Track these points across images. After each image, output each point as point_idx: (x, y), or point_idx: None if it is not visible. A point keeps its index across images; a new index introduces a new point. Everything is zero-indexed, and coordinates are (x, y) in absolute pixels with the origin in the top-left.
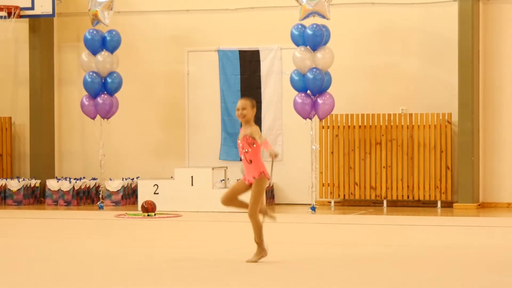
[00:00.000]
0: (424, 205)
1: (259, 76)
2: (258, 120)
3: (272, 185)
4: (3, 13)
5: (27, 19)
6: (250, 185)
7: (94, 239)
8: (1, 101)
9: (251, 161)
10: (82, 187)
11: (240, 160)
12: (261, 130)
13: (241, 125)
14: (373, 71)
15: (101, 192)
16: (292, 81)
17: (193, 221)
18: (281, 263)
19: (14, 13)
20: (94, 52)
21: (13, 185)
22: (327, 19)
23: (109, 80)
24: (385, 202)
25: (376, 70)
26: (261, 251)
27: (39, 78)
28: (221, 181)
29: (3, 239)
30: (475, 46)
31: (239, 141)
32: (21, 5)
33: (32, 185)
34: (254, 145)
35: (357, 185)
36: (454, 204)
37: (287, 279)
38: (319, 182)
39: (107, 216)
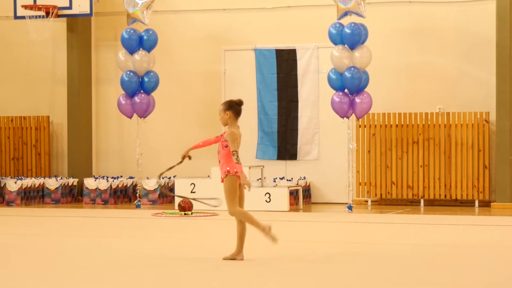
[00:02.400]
0: (461, 204)
1: (296, 75)
2: (294, 119)
3: (309, 184)
4: (41, 13)
5: (65, 19)
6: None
7: (131, 238)
8: (39, 100)
9: (219, 161)
10: (120, 185)
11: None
12: (298, 129)
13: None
14: (410, 70)
15: (138, 191)
16: (329, 80)
17: (230, 220)
18: (317, 262)
19: (52, 13)
20: (131, 51)
21: (51, 183)
22: (363, 17)
23: (146, 79)
24: (422, 201)
25: (414, 69)
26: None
27: (77, 77)
28: (258, 180)
29: (41, 237)
30: None
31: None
32: (59, 5)
33: (70, 184)
34: (227, 147)
35: (394, 184)
36: (491, 203)
37: (324, 277)
38: (356, 181)
39: (144, 215)
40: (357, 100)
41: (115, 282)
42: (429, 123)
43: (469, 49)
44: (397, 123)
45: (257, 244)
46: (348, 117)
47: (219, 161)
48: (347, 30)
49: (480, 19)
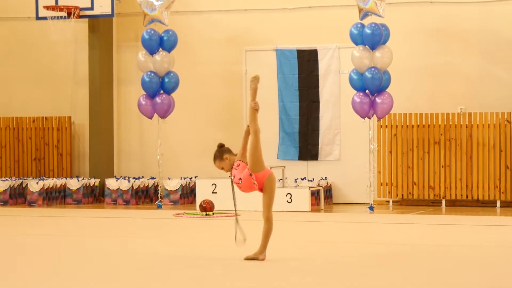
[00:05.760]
0: (483, 204)
1: (317, 75)
2: (315, 120)
3: (330, 185)
4: (63, 14)
5: (86, 19)
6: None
7: (153, 238)
8: (61, 100)
9: (242, 188)
10: (141, 186)
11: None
12: (319, 129)
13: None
14: (431, 70)
15: (159, 191)
16: (351, 80)
17: (251, 221)
18: (338, 263)
19: (74, 13)
20: (152, 52)
21: (73, 184)
22: (381, 17)
23: (166, 79)
24: (443, 201)
25: (435, 69)
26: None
27: (98, 78)
28: (279, 180)
29: (63, 237)
30: None
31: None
32: (81, 6)
33: (91, 184)
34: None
35: (415, 184)
36: None
37: (345, 277)
38: (377, 182)
39: (165, 215)
40: (378, 100)
41: (135, 282)
42: (450, 123)
43: (491, 49)
44: (418, 124)
45: (278, 244)
46: (369, 118)
47: (241, 188)
48: (368, 30)
49: (502, 19)
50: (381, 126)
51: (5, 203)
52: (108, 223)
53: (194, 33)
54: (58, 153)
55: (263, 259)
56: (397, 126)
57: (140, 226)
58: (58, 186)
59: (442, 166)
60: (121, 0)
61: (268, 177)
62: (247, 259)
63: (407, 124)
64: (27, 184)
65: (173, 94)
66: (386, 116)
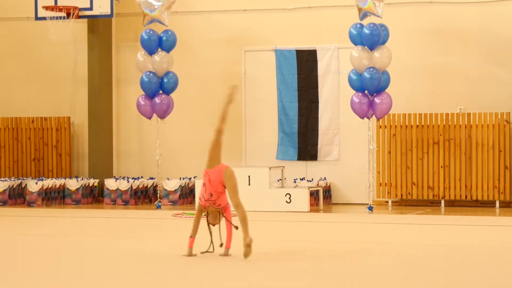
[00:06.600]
0: (482, 205)
1: (316, 75)
2: (315, 120)
3: (329, 185)
4: (62, 14)
5: (85, 20)
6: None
7: (152, 239)
8: (60, 101)
9: (211, 195)
10: (140, 186)
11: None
12: (318, 130)
13: None
14: (431, 70)
15: (158, 192)
16: (350, 80)
17: (250, 221)
18: (337, 262)
19: (73, 14)
20: (151, 52)
21: (72, 184)
22: (379, 17)
23: (165, 80)
24: (442, 202)
25: (434, 69)
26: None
27: (98, 78)
28: (278, 180)
29: (62, 237)
30: None
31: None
32: (80, 6)
33: (90, 185)
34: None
35: (414, 184)
36: None
37: (343, 277)
38: (376, 182)
39: (164, 216)
40: (377, 100)
41: (135, 282)
42: (449, 123)
43: (490, 50)
44: (417, 124)
45: (278, 244)
46: (368, 118)
47: (210, 194)
48: (366, 31)
49: (502, 19)
50: (380, 126)
51: (4, 203)
52: (107, 223)
53: (193, 33)
54: (57, 153)
55: (251, 240)
56: (396, 126)
57: (139, 226)
58: (57, 186)
59: (441, 167)
60: (120, 0)
61: (226, 170)
62: (246, 255)
63: (406, 124)
64: (26, 184)
65: (172, 94)
66: (385, 116)
